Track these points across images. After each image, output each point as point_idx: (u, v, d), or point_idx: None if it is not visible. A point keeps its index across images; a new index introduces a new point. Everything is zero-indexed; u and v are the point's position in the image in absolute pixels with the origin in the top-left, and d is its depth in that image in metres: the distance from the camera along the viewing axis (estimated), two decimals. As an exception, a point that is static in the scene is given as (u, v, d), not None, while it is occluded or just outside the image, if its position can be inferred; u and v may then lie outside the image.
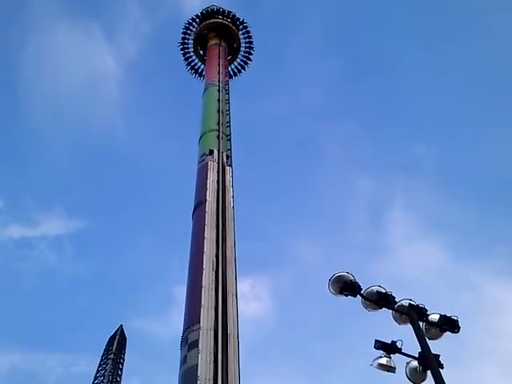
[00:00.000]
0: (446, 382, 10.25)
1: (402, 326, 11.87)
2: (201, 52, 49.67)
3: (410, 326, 11.56)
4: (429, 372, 10.60)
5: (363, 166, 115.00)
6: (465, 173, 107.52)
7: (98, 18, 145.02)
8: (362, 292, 11.86)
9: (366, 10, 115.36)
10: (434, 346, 11.23)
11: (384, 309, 11.92)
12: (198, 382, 19.31)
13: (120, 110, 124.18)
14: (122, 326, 65.30)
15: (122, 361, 61.67)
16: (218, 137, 34.19)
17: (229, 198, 29.25)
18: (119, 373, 60.35)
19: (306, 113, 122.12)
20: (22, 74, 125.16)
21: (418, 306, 11.91)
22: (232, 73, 49.55)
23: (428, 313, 11.97)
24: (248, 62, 50.77)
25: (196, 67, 50.26)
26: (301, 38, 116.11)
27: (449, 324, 11.82)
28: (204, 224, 26.61)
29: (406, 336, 11.41)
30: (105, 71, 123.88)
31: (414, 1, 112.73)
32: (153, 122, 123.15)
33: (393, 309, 11.88)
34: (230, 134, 35.91)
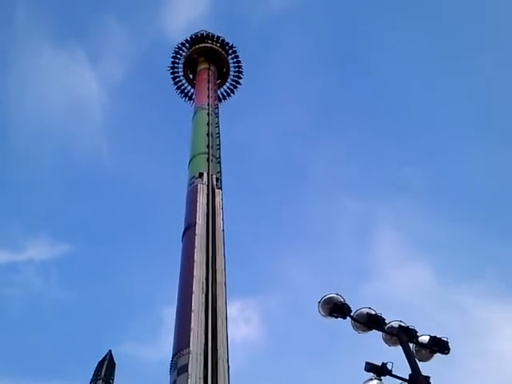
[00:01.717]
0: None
1: (392, 347, 11.86)
2: (190, 76, 50.12)
3: (400, 347, 11.55)
4: (419, 394, 10.57)
5: (352, 185, 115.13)
6: (455, 193, 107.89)
7: (83, 41, 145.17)
8: (351, 314, 11.86)
9: (351, 27, 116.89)
10: (424, 367, 11.23)
11: (374, 331, 11.91)
12: (188, 407, 19.10)
13: (105, 133, 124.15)
14: (110, 351, 64.18)
15: (110, 386, 60.77)
16: (208, 160, 34.32)
17: (219, 221, 29.25)
18: (108, 399, 59.36)
19: (292, 133, 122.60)
20: (4, 96, 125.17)
21: (407, 327, 11.92)
22: (221, 96, 50.01)
23: (418, 334, 11.98)
24: (237, 85, 51.33)
25: (186, 91, 50.73)
26: (285, 57, 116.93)
27: (439, 345, 11.83)
28: (194, 247, 26.55)
29: (396, 358, 11.39)
30: (89, 95, 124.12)
31: (400, 17, 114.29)
32: (139, 145, 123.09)
33: (383, 330, 11.88)
34: (219, 157, 36.11)
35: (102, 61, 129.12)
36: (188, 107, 49.79)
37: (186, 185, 32.97)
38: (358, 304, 12.08)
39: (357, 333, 11.98)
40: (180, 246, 28.71)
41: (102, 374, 61.07)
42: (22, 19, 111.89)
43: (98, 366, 63.30)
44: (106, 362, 62.88)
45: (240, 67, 51.07)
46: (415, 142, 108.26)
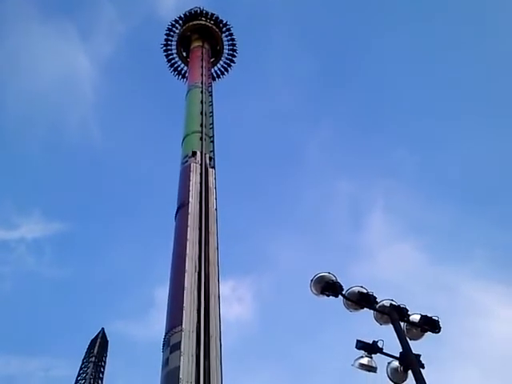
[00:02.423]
0: (426, 381, 10.32)
1: (383, 326, 11.93)
2: (184, 54, 49.63)
3: (391, 326, 11.62)
4: (410, 372, 10.66)
5: (343, 168, 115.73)
6: (444, 175, 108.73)
7: (73, 18, 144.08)
8: (343, 292, 11.91)
9: (344, 10, 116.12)
10: (415, 346, 11.31)
11: (365, 309, 11.97)
12: (180, 384, 19.22)
13: (96, 110, 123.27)
14: (103, 329, 64.84)
15: (103, 364, 61.22)
16: (201, 138, 34.13)
17: (212, 200, 29.18)
18: (101, 376, 59.85)
19: (283, 114, 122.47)
20: None
21: (399, 306, 11.99)
22: (215, 75, 49.60)
23: (409, 313, 12.04)
24: (231, 64, 50.91)
25: (179, 69, 50.28)
26: (278, 39, 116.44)
27: (429, 324, 11.91)
28: (187, 226, 26.51)
29: (386, 336, 11.47)
30: (80, 71, 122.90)
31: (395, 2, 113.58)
32: (130, 122, 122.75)
33: (374, 309, 11.94)
34: (213, 136, 35.91)
35: (92, 37, 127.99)
36: (179, 84, 49.59)
37: (179, 163, 32.84)
38: (349, 284, 12.14)
39: (348, 311, 12.04)
40: (173, 224, 28.70)
41: (95, 351, 61.57)
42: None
43: (90, 343, 63.78)
44: (98, 340, 63.41)
45: (234, 45, 50.64)
46: (406, 125, 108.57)
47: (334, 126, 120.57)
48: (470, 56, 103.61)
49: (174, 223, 28.59)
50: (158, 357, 22.19)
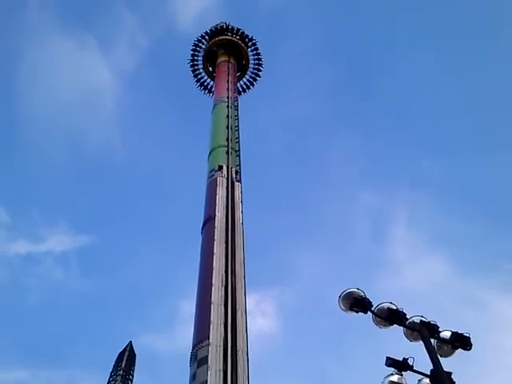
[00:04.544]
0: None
1: (411, 343, 11.75)
2: (210, 68, 50.11)
3: (420, 343, 11.44)
4: (441, 390, 10.47)
5: (366, 179, 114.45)
6: (470, 187, 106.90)
7: (93, 30, 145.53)
8: (372, 309, 11.78)
9: (367, 18, 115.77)
10: (445, 363, 11.11)
11: (395, 326, 11.82)
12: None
13: (117, 122, 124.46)
14: (131, 342, 65.09)
15: (131, 377, 61.38)
16: (228, 152, 34.37)
17: (238, 214, 29.30)
18: (128, 389, 59.94)
19: (306, 125, 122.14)
20: (17, 87, 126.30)
21: (429, 322, 11.79)
22: (241, 89, 49.94)
23: (439, 330, 11.86)
24: (257, 78, 51.21)
25: (205, 84, 50.80)
26: (296, 47, 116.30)
27: (461, 341, 11.69)
28: (213, 239, 26.66)
29: (415, 353, 11.29)
30: (101, 84, 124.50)
31: (414, 7, 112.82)
32: (152, 135, 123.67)
33: (404, 325, 11.77)
34: (239, 150, 36.14)
35: (113, 49, 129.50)
36: (202, 97, 50.23)
37: (201, 176, 33.14)
38: (375, 297, 12.00)
39: (377, 328, 11.91)
40: (196, 237, 28.90)
41: (123, 365, 61.84)
42: (32, 8, 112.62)
43: (118, 357, 64.07)
44: (126, 353, 63.67)
45: (260, 59, 50.99)
46: (431, 135, 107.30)
47: (355, 135, 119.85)
48: (498, 61, 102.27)
49: (201, 237, 28.76)
50: (184, 370, 22.28)
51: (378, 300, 11.99)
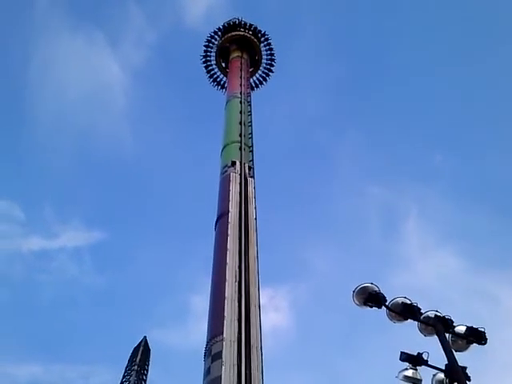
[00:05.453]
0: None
1: (423, 338, 11.70)
2: (223, 64, 50.09)
3: (435, 337, 11.38)
4: (455, 384, 10.42)
5: (376, 174, 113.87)
6: (480, 182, 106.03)
7: (102, 25, 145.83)
8: (386, 303, 11.74)
9: (375, 16, 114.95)
10: (459, 357, 11.05)
11: (409, 320, 11.77)
12: (222, 393, 19.31)
13: (127, 118, 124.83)
14: (145, 337, 65.43)
15: (145, 372, 61.73)
16: (241, 148, 34.37)
17: (251, 210, 29.31)
18: (143, 384, 60.28)
19: (314, 121, 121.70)
20: (27, 84, 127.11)
21: (444, 317, 11.73)
22: (254, 84, 49.88)
23: (454, 324, 11.79)
24: (269, 73, 51.10)
25: (218, 79, 50.76)
26: (305, 44, 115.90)
27: (475, 336, 11.62)
28: (227, 235, 26.70)
29: (429, 348, 11.23)
30: (110, 80, 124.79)
31: (422, 5, 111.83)
32: (163, 130, 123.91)
33: (418, 320, 11.72)
34: (252, 146, 36.11)
35: (121, 45, 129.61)
36: (212, 91, 50.35)
37: (214, 172, 33.19)
38: (388, 292, 11.95)
39: (390, 322, 11.87)
40: (208, 231, 28.98)
41: (138, 359, 62.20)
42: (41, 5, 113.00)
43: (133, 352, 64.42)
44: (141, 348, 64.00)
45: (272, 55, 50.86)
46: (441, 130, 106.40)
47: (365, 131, 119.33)
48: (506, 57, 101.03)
49: (214, 232, 28.83)
50: (198, 365, 22.38)
51: (391, 295, 11.97)
